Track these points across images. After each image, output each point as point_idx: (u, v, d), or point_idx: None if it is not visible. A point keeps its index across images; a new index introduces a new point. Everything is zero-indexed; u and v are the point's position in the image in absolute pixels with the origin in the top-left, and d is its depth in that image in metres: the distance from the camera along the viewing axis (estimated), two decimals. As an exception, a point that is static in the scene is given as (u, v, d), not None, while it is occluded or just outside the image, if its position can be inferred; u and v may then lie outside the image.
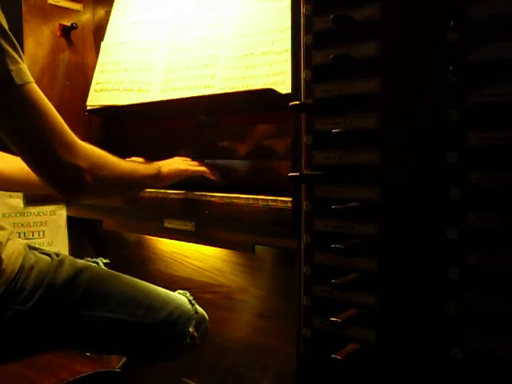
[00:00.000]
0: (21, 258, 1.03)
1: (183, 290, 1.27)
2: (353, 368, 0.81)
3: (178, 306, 1.17)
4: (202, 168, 1.37)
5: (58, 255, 1.10)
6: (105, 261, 1.45)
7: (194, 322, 1.18)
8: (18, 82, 0.85)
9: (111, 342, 1.11)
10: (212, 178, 1.37)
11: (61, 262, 1.08)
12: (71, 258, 1.13)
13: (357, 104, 0.79)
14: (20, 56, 0.87)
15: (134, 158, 1.38)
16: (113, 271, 1.18)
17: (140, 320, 1.10)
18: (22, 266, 1.02)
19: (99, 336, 1.09)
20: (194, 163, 1.38)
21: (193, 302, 1.23)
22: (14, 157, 1.27)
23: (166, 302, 1.16)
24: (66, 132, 0.92)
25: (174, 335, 1.15)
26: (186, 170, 1.33)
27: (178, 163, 1.33)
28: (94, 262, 1.43)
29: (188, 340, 1.16)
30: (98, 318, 1.06)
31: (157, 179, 1.24)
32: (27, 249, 1.09)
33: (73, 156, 0.92)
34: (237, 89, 1.39)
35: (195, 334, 1.17)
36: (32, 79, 0.88)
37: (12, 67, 0.84)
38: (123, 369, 1.05)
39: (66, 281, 1.05)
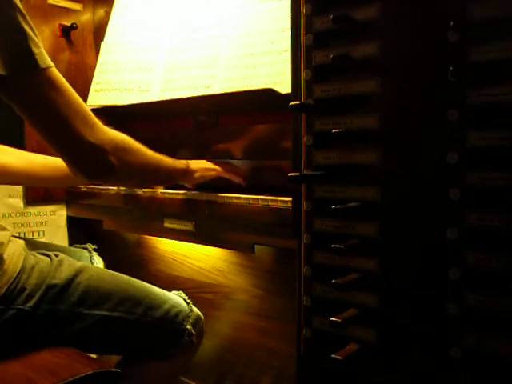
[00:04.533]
0: (22, 259, 1.04)
1: (182, 289, 1.28)
2: (353, 368, 0.81)
3: (175, 305, 1.18)
4: (231, 172, 1.34)
5: (56, 255, 1.10)
6: (93, 246, 1.46)
7: (191, 320, 1.19)
8: (42, 65, 0.86)
9: (111, 341, 1.12)
10: (241, 182, 1.34)
11: (60, 262, 1.08)
12: (70, 258, 1.13)
13: (357, 104, 0.79)
14: (39, 40, 0.88)
15: None
16: (111, 271, 1.18)
17: (139, 318, 1.11)
18: (23, 267, 1.03)
19: (99, 335, 1.09)
20: (222, 166, 1.34)
21: (188, 301, 1.24)
22: (18, 150, 1.29)
23: (163, 301, 1.16)
24: (89, 115, 0.93)
25: (172, 332, 1.16)
26: (215, 169, 1.30)
27: (206, 163, 1.31)
28: (84, 248, 1.45)
29: (186, 337, 1.17)
30: (98, 317, 1.06)
31: (185, 175, 1.22)
32: (27, 249, 1.09)
33: (96, 138, 0.93)
34: (237, 89, 1.39)
35: (193, 331, 1.18)
36: (52, 64, 0.89)
37: (35, 50, 0.85)
38: (121, 368, 1.05)
39: (66, 280, 1.06)
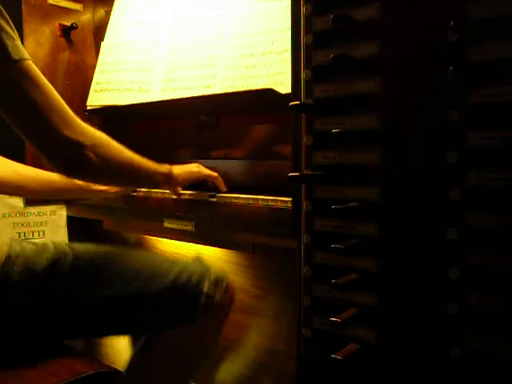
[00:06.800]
0: (6, 248, 1.01)
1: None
2: (353, 368, 0.81)
3: (184, 269, 1.09)
4: (215, 174, 1.31)
5: (44, 243, 1.07)
6: None
7: (206, 282, 1.08)
8: (15, 57, 0.84)
9: (111, 321, 1.06)
10: (221, 187, 1.30)
11: (44, 248, 1.05)
12: (57, 242, 1.08)
13: (357, 104, 0.79)
14: (15, 33, 0.86)
15: None
16: (104, 246, 1.12)
17: (139, 291, 1.04)
18: (8, 256, 1.00)
19: (97, 317, 1.04)
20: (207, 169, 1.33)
21: (204, 262, 1.15)
22: (9, 161, 1.27)
23: (168, 267, 1.08)
24: (65, 109, 0.92)
25: (185, 299, 1.07)
26: (198, 172, 1.28)
27: (191, 166, 1.29)
28: None
29: (203, 300, 1.07)
30: (92, 298, 1.01)
31: (168, 178, 1.18)
32: (12, 239, 1.06)
33: (73, 132, 0.91)
34: (237, 89, 1.39)
35: (210, 292, 1.08)
36: (28, 56, 0.87)
37: (8, 42, 0.84)
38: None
39: (51, 265, 1.01)
